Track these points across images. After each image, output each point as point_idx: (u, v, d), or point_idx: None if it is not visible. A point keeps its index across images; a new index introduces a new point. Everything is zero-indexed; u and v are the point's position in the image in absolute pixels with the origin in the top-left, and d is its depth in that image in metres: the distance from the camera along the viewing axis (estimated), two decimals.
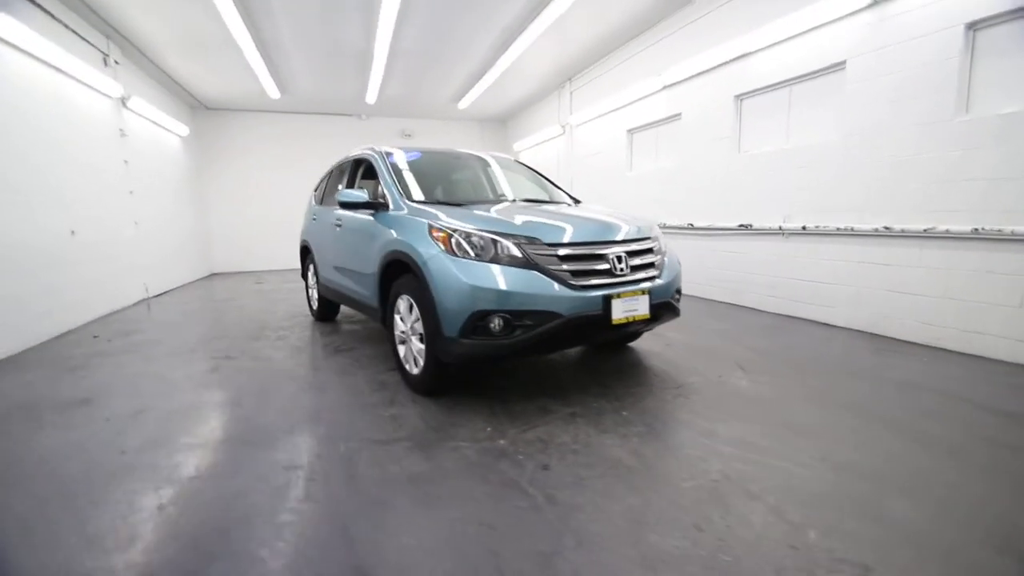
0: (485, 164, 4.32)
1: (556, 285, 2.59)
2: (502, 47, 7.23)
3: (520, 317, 2.54)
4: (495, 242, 2.65)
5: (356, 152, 4.40)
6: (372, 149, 3.99)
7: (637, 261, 2.92)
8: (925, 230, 3.70)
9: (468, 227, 2.72)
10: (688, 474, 2.07)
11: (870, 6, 3.98)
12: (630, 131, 7.41)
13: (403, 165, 3.75)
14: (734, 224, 5.45)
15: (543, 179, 4.38)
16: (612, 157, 7.80)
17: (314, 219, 5.05)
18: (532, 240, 2.67)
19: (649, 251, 3.04)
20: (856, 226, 4.20)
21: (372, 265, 3.42)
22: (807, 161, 4.65)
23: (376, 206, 3.49)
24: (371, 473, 2.12)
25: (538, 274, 2.58)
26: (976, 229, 3.41)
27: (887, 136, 3.96)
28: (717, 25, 5.47)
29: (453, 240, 2.68)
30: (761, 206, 5.18)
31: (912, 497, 1.87)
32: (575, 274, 2.66)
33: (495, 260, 2.61)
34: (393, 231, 3.16)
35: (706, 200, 5.90)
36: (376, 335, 4.63)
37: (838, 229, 4.34)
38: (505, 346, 2.56)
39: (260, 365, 3.77)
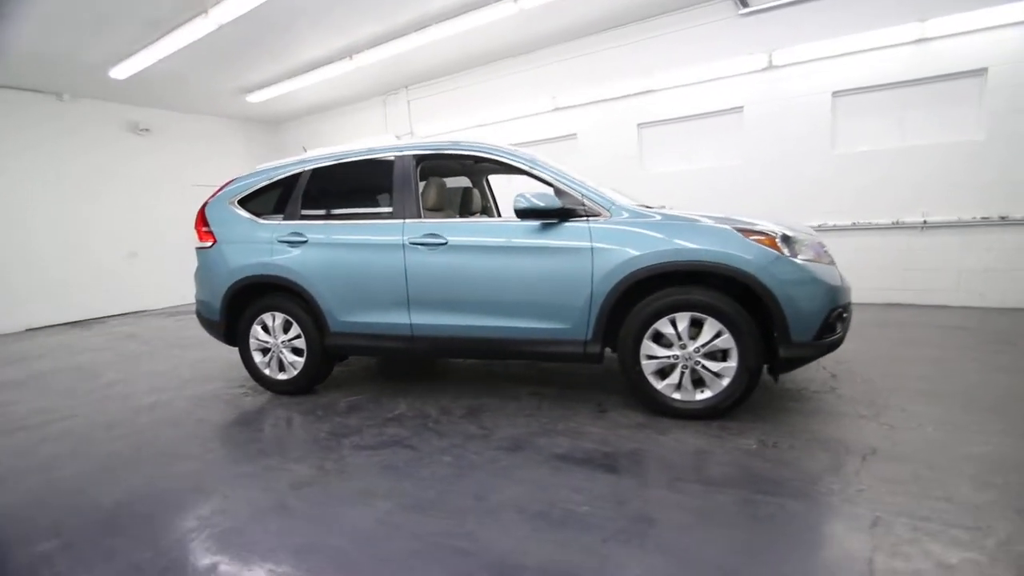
0: None
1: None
2: (376, 41, 6.26)
3: (847, 309, 2.68)
4: (792, 241, 2.65)
5: (412, 147, 3.33)
6: (485, 143, 3.18)
7: None
8: (854, 223, 5.41)
9: (776, 228, 2.62)
10: None
11: (764, 70, 5.57)
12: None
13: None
14: None
15: None
16: None
17: (301, 240, 3.34)
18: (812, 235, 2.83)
19: None
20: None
21: (583, 288, 2.75)
22: (713, 179, 6.04)
23: (569, 214, 2.83)
24: None
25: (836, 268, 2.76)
26: (854, 223, 5.34)
27: (782, 162, 5.64)
28: (618, 58, 6.34)
29: (778, 242, 2.55)
30: None
31: None
32: None
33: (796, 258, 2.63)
34: (636, 241, 2.68)
35: None
36: (474, 389, 3.47)
37: None
38: (838, 341, 2.63)
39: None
